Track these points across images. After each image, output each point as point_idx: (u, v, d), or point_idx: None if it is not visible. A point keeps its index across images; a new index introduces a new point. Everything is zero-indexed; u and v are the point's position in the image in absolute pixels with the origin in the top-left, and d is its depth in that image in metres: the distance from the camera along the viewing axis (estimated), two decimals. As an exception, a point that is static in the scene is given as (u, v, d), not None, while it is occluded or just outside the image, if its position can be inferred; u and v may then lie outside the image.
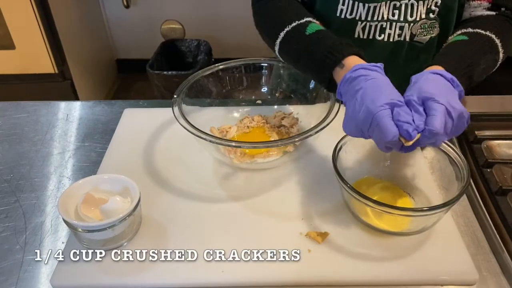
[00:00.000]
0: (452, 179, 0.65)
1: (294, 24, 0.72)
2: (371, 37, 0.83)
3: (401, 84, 0.93)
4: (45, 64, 2.00)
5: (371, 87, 0.58)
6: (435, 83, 0.58)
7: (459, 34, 0.73)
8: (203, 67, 0.85)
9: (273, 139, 0.80)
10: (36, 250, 0.64)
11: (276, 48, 0.75)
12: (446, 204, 0.58)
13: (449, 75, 0.60)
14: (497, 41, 0.71)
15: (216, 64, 0.85)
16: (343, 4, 0.81)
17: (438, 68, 0.62)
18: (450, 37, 0.76)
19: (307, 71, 0.72)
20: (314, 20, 0.72)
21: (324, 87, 0.70)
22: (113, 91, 2.67)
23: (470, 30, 0.73)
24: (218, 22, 2.59)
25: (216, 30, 2.59)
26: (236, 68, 0.86)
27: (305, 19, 0.72)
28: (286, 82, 0.89)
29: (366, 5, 0.79)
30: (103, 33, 2.63)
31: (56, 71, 2.03)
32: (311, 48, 0.69)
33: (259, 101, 0.91)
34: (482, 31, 0.72)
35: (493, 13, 0.77)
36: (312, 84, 0.83)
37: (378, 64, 0.61)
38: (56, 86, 2.08)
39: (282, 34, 0.73)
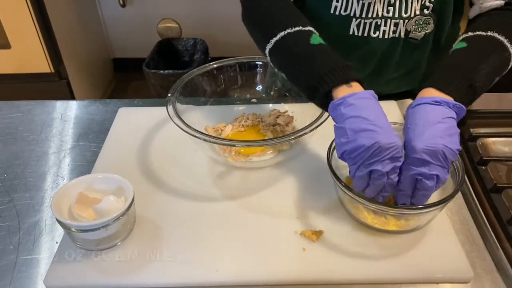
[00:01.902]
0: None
1: (297, 28, 0.68)
2: (366, 34, 0.83)
3: (396, 80, 0.94)
4: (41, 64, 2.00)
5: (384, 124, 0.57)
6: (430, 133, 0.56)
7: (460, 41, 0.70)
8: (200, 66, 0.84)
9: (268, 138, 0.80)
10: (29, 251, 0.64)
11: (269, 46, 0.70)
12: (441, 202, 0.58)
13: (444, 100, 0.59)
14: (502, 38, 0.67)
15: (211, 63, 0.85)
16: (337, 1, 0.81)
17: (431, 93, 0.61)
18: (454, 44, 0.72)
19: (302, 77, 0.66)
20: (316, 32, 0.69)
21: (314, 97, 0.64)
22: (110, 90, 2.67)
23: (470, 34, 0.70)
24: (214, 21, 2.58)
25: (212, 29, 2.59)
26: (231, 67, 0.86)
27: (308, 28, 0.69)
28: (281, 80, 0.89)
29: (361, 1, 0.79)
30: (99, 32, 2.62)
31: (52, 71, 2.03)
32: (317, 56, 0.65)
33: (254, 100, 0.91)
34: (483, 33, 0.69)
35: (502, 1, 0.74)
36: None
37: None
38: (52, 85, 2.08)
39: (282, 34, 0.68)
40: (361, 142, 0.55)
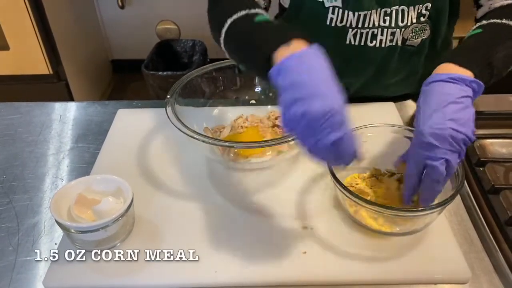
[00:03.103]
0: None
1: (243, 12, 0.65)
2: (362, 43, 0.83)
3: (394, 86, 0.94)
4: (40, 65, 1.99)
5: (321, 85, 0.50)
6: (439, 115, 0.54)
7: (474, 29, 0.69)
8: (199, 68, 0.84)
9: (266, 139, 0.80)
10: (29, 252, 0.64)
11: (222, 38, 0.67)
12: (440, 205, 0.58)
13: (460, 76, 0.56)
14: None
15: (210, 64, 0.85)
16: (332, 13, 0.80)
17: (449, 68, 0.58)
18: (467, 34, 0.71)
19: (248, 57, 0.62)
20: (264, 13, 0.66)
21: (263, 72, 0.57)
22: (108, 91, 2.66)
23: (484, 22, 0.69)
24: (213, 22, 2.58)
25: (211, 30, 2.58)
26: (230, 68, 0.86)
27: (256, 10, 0.66)
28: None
29: (356, 13, 0.79)
30: (98, 34, 2.62)
31: (51, 72, 2.02)
32: (258, 30, 0.62)
33: (252, 101, 0.91)
34: (498, 20, 0.67)
35: None
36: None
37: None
38: (51, 87, 2.08)
39: (229, 21, 0.65)
40: (295, 112, 0.49)
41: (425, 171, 0.56)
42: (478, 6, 0.79)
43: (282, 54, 0.53)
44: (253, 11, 0.66)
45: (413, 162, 0.56)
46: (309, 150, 0.52)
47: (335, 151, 0.50)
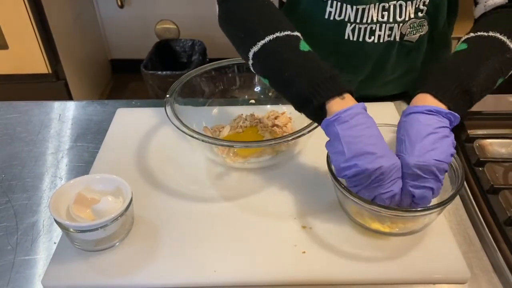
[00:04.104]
0: (446, 180, 0.65)
1: (286, 33, 0.65)
2: (361, 39, 0.83)
3: (392, 83, 0.94)
4: (38, 64, 1.99)
5: (381, 143, 0.58)
6: (420, 146, 0.57)
7: (461, 42, 0.69)
8: (198, 67, 0.84)
9: (266, 139, 0.80)
10: (27, 251, 0.64)
11: (255, 48, 0.66)
12: (439, 205, 0.58)
13: (436, 109, 0.58)
14: (504, 38, 0.65)
15: (209, 64, 0.85)
16: (331, 6, 0.80)
17: (426, 100, 0.60)
18: (456, 46, 0.70)
19: (292, 85, 0.63)
20: (302, 38, 0.67)
21: (305, 107, 0.63)
22: (107, 91, 2.67)
23: (472, 35, 0.68)
24: (212, 22, 2.55)
25: (210, 30, 2.58)
26: (229, 68, 0.86)
27: (296, 33, 0.66)
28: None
29: (355, 7, 0.79)
30: (97, 33, 2.62)
31: (50, 71, 2.02)
32: (307, 63, 0.63)
33: (252, 101, 0.91)
34: (484, 33, 0.66)
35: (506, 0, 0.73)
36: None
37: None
38: (50, 86, 2.08)
39: (270, 37, 0.65)
40: (364, 167, 0.55)
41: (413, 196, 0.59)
42: (476, 3, 0.78)
43: (337, 105, 0.59)
44: (294, 34, 0.66)
45: (402, 191, 0.59)
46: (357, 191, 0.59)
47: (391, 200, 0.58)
